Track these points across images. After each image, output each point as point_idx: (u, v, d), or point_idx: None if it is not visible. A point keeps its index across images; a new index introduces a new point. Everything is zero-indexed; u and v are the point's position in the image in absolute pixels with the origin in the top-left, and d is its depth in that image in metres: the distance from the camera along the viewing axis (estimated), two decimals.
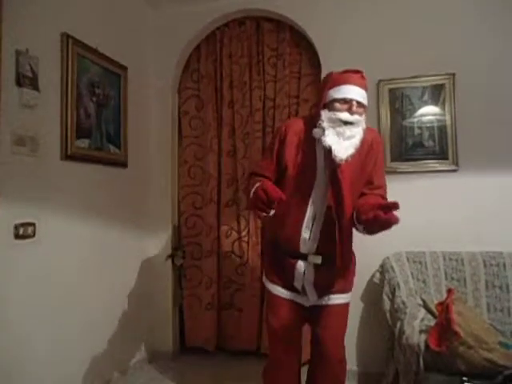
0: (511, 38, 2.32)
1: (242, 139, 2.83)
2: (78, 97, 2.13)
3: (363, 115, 1.48)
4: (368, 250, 2.42)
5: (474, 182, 2.34)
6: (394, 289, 2.17)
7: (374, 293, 2.38)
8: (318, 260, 1.55)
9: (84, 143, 2.18)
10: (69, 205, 2.08)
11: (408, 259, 2.28)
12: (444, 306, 1.72)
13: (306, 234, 1.54)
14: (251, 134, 2.80)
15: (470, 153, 2.35)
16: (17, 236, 1.75)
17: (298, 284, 1.60)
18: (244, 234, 2.81)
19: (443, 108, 2.39)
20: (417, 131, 2.43)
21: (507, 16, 2.34)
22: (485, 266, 2.18)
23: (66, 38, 2.04)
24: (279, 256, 1.63)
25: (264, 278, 1.76)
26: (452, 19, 2.41)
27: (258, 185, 1.45)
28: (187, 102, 2.96)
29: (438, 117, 2.40)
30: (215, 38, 2.90)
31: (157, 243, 2.86)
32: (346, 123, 1.44)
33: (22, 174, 1.81)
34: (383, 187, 1.62)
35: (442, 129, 2.39)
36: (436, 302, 1.90)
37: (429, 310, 1.97)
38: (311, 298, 1.60)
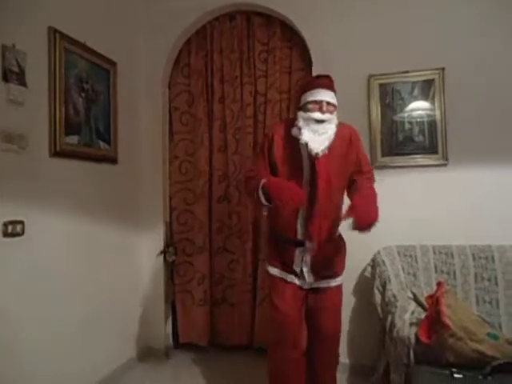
0: (500, 33, 2.34)
1: (233, 134, 2.83)
2: (66, 92, 2.10)
3: (334, 113, 1.71)
4: (360, 245, 2.44)
5: (463, 177, 2.37)
6: (385, 282, 2.20)
7: (366, 286, 2.40)
8: (313, 245, 1.72)
9: (73, 139, 2.16)
10: (58, 202, 2.06)
11: (399, 253, 2.30)
12: (434, 299, 1.75)
13: (301, 222, 1.73)
14: (242, 129, 2.80)
15: (459, 147, 2.37)
16: (5, 234, 1.73)
17: (296, 267, 1.79)
18: (236, 229, 2.81)
19: (433, 103, 2.41)
20: (407, 126, 2.45)
21: (496, 11, 2.35)
22: (474, 258, 2.22)
23: (54, 32, 2.01)
24: (279, 244, 1.84)
25: (266, 265, 1.92)
26: (441, 15, 2.42)
27: (265, 179, 1.68)
28: (178, 97, 2.94)
29: (427, 112, 2.42)
30: (206, 33, 2.88)
31: (148, 240, 2.84)
32: (319, 121, 1.65)
33: (11, 171, 1.78)
34: (370, 171, 1.89)
35: (432, 124, 2.41)
36: (426, 294, 1.93)
37: (419, 303, 2.00)
38: (308, 280, 1.79)
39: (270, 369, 1.85)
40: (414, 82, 2.43)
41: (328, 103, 1.68)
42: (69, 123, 2.12)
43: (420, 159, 2.42)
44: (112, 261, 2.50)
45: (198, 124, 2.86)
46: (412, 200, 2.41)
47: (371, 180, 1.85)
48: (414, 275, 2.25)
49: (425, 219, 2.37)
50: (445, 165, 2.39)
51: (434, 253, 2.28)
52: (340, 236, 1.89)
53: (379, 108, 2.49)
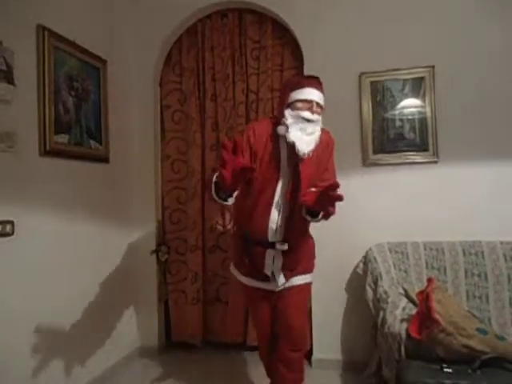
0: (489, 30, 2.36)
1: (226, 133, 2.82)
2: (55, 91, 2.08)
3: (320, 115, 1.66)
4: (352, 242, 2.48)
5: (453, 174, 2.39)
6: (377, 279, 2.21)
7: (358, 283, 2.42)
8: (285, 247, 1.68)
9: (63, 138, 2.14)
10: (49, 202, 2.04)
11: (390, 250, 2.32)
12: (424, 295, 1.76)
13: (273, 224, 1.67)
14: (235, 128, 2.79)
15: (449, 145, 2.39)
16: None
17: (268, 271, 1.72)
18: (229, 228, 2.81)
19: (424, 100, 2.43)
20: (398, 123, 2.46)
21: (486, 10, 2.37)
22: (464, 254, 2.24)
23: (42, 30, 1.99)
24: (248, 247, 1.75)
25: (232, 268, 1.91)
26: (432, 13, 2.43)
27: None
28: (169, 95, 2.93)
29: (418, 109, 2.43)
30: (197, 31, 2.87)
31: (141, 239, 2.83)
32: (308, 121, 1.60)
33: None
34: (332, 180, 1.68)
35: (423, 121, 2.42)
36: (417, 290, 1.94)
37: (410, 299, 2.02)
38: (280, 282, 1.73)
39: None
40: (404, 80, 2.45)
41: (317, 104, 1.64)
42: (58, 122, 2.10)
43: (411, 156, 2.44)
44: (103, 261, 2.49)
45: (189, 122, 2.85)
46: (403, 197, 2.43)
47: None
48: (406, 271, 2.26)
49: (416, 216, 2.39)
50: (435, 162, 2.41)
51: (425, 249, 2.30)
52: (309, 234, 1.85)
53: (370, 105, 2.50)
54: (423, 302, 1.74)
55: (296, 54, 2.70)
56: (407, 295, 2.07)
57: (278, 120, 1.67)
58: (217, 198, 1.57)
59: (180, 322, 2.86)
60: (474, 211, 2.34)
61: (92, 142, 2.39)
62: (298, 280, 1.78)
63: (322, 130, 1.68)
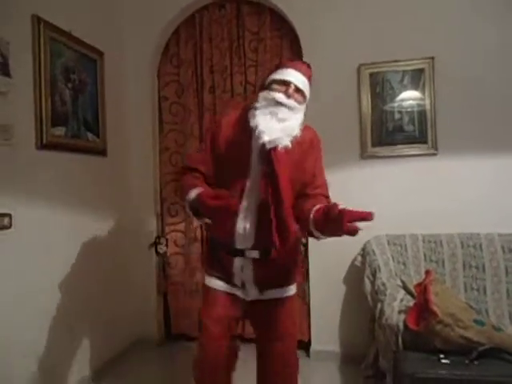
0: (489, 22, 2.33)
1: None
2: (52, 83, 2.06)
3: (302, 104, 1.41)
4: None
5: (452, 166, 2.38)
6: (375, 271, 2.22)
7: (356, 276, 2.42)
8: (256, 255, 1.45)
9: (60, 131, 2.12)
10: (46, 195, 2.03)
11: (388, 242, 2.32)
12: (422, 287, 1.77)
13: (240, 228, 1.42)
14: None
15: (448, 137, 2.38)
16: None
17: (237, 281, 1.51)
18: None
19: (423, 92, 2.41)
20: (397, 116, 2.45)
21: (486, 1, 2.35)
22: (462, 247, 2.25)
23: (38, 20, 1.96)
24: (217, 253, 1.54)
25: (204, 275, 1.63)
26: (431, 4, 2.40)
27: (196, 191, 1.38)
28: (167, 87, 2.90)
29: (417, 101, 2.42)
30: (194, 22, 2.84)
31: (139, 232, 2.83)
32: (282, 105, 1.35)
33: None
34: (324, 185, 1.52)
35: (422, 113, 2.41)
36: (415, 283, 1.95)
37: (408, 291, 2.02)
38: (251, 293, 1.51)
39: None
40: (404, 72, 2.43)
41: (297, 89, 1.38)
42: (55, 114, 2.08)
43: (410, 149, 2.43)
44: (102, 253, 2.49)
45: (187, 114, 2.84)
46: (402, 189, 2.43)
47: (328, 198, 1.49)
48: (404, 264, 2.27)
49: (414, 208, 2.39)
50: (434, 154, 2.40)
51: (424, 242, 2.30)
52: (296, 241, 1.55)
53: (369, 97, 2.48)
54: (421, 294, 1.75)
55: (295, 46, 2.68)
56: (405, 287, 2.08)
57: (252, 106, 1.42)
58: (195, 218, 1.45)
59: (179, 314, 2.88)
60: (472, 203, 2.34)
61: (89, 135, 2.37)
62: (278, 293, 1.53)
63: (306, 126, 1.44)
